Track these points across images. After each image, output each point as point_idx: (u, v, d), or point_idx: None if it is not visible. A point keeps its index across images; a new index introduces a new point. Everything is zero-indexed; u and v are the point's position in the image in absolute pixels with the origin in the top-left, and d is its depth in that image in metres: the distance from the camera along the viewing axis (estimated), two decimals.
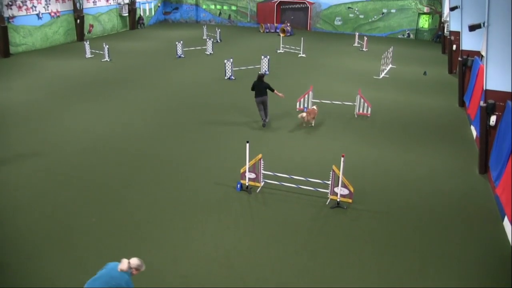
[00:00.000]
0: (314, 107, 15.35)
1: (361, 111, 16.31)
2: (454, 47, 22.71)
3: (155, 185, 10.81)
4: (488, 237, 9.04)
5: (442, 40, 30.86)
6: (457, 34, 22.01)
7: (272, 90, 14.61)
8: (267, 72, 22.06)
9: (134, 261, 5.94)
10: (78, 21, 30.70)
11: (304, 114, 14.81)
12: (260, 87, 14.47)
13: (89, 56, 25.80)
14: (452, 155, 12.96)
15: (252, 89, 14.61)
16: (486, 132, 11.64)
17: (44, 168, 11.53)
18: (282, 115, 16.09)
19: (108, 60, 24.84)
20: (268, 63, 22.18)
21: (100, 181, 10.94)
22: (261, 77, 14.58)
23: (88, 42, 26.17)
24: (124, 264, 5.85)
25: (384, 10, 36.30)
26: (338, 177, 9.88)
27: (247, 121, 15.44)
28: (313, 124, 15.10)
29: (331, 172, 10.21)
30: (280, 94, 14.99)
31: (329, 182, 10.29)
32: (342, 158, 9.73)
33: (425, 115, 16.55)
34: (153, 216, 9.45)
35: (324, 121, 15.56)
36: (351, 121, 15.71)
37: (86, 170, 11.47)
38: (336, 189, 10.07)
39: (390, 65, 24.98)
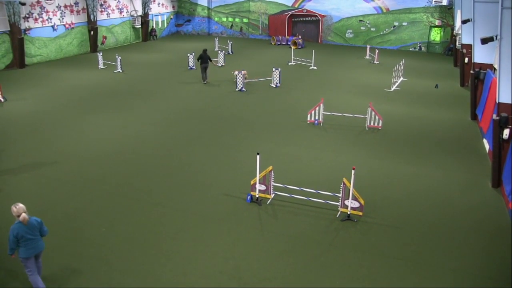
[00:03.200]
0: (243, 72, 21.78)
1: (372, 124, 16.26)
2: (466, 60, 22.60)
3: (165, 195, 10.84)
4: (502, 251, 8.90)
5: (454, 53, 30.72)
6: (469, 47, 21.92)
7: (211, 60, 22.69)
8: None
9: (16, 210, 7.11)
10: (92, 32, 31.15)
11: (238, 73, 21.37)
12: (205, 57, 22.12)
13: (102, 67, 26.11)
14: (465, 169, 12.84)
15: (199, 58, 22.18)
16: (499, 145, 11.53)
17: (56, 177, 11.63)
18: (293, 127, 16.10)
19: (121, 71, 25.11)
20: (279, 75, 22.26)
21: (111, 191, 11.00)
22: (205, 50, 22.17)
23: (101, 54, 26.50)
24: (24, 217, 7.08)
25: (396, 23, 36.31)
26: (349, 189, 9.84)
27: (257, 133, 15.47)
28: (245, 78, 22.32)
29: (341, 185, 10.17)
30: (213, 62, 25.10)
31: (340, 195, 10.24)
32: (352, 171, 9.69)
33: (437, 128, 16.45)
34: (163, 227, 9.47)
35: (335, 134, 15.54)
36: (362, 133, 15.67)
37: (97, 180, 11.56)
38: (346, 202, 10.02)
39: (402, 78, 24.92)
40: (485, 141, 14.84)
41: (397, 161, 13.27)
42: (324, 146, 14.37)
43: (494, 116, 11.58)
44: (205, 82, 22.72)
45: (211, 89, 21.49)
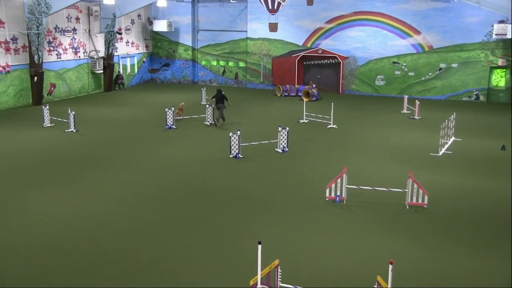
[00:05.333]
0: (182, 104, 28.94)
1: (414, 200, 16.32)
2: None
3: None
4: None
5: None
6: None
7: (227, 100, 27.72)
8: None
9: None
10: (36, 78, 31.65)
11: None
12: (219, 98, 27.33)
13: (49, 125, 26.52)
14: None
15: (213, 97, 27.73)
16: None
17: None
18: (306, 206, 16.16)
19: (74, 131, 25.50)
20: (287, 137, 22.54)
21: None
22: (219, 91, 27.60)
23: (47, 107, 26.99)
24: None
25: (442, 65, 36.97)
26: None
27: (259, 214, 15.51)
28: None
29: (375, 286, 10.09)
30: (229, 103, 28.44)
31: None
32: (390, 266, 9.66)
33: (504, 207, 16.45)
34: None
35: (364, 215, 15.56)
36: (401, 214, 15.70)
37: (41, 279, 11.43)
38: None
39: (453, 138, 25.23)
40: None
41: (451, 252, 13.20)
42: (349, 232, 14.35)
43: None
44: (218, 123, 27.77)
45: (197, 155, 21.74)
